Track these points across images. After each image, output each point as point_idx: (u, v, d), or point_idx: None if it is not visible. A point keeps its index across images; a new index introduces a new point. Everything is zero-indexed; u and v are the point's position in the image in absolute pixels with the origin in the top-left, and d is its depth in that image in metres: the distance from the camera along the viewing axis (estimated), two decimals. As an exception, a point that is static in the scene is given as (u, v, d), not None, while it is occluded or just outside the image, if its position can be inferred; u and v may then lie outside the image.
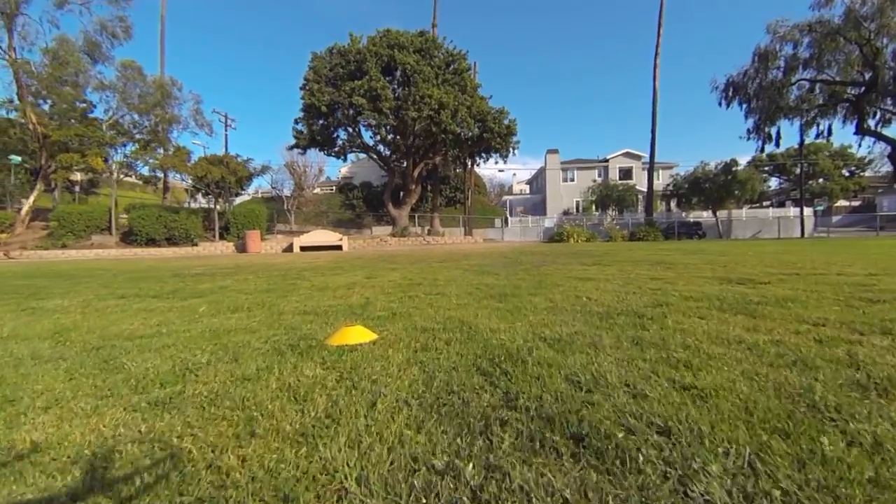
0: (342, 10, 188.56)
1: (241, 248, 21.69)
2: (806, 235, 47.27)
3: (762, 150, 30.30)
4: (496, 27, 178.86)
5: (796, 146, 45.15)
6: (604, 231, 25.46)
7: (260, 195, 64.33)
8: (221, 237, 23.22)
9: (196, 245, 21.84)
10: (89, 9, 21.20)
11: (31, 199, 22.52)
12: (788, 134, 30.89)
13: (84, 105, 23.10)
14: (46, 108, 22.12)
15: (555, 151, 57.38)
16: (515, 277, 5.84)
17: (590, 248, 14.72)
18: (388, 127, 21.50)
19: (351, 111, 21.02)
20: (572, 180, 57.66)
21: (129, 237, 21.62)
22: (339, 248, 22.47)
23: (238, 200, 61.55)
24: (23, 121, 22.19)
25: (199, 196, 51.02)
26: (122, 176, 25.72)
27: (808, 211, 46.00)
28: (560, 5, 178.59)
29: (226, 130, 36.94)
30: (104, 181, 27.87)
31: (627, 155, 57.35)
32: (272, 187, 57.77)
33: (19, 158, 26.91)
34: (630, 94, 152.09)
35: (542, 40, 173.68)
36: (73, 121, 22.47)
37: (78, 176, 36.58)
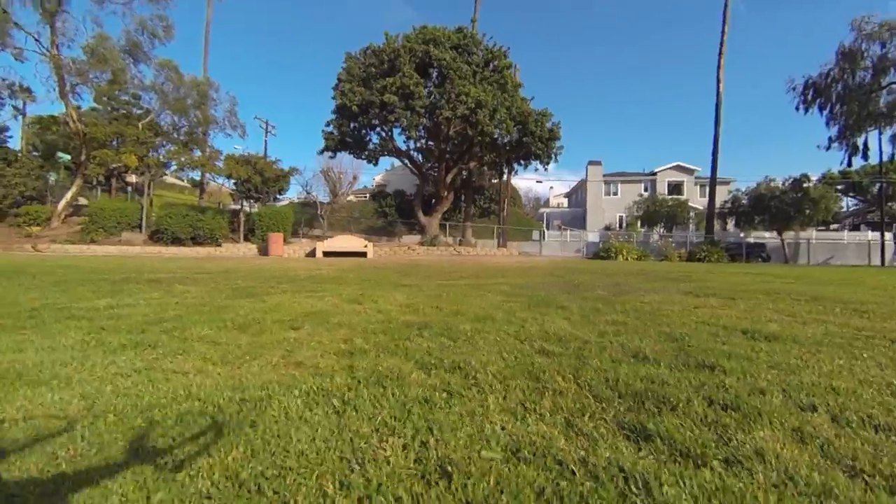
0: (387, 23, 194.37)
1: (264, 251, 20.84)
2: (886, 263, 42.09)
3: (849, 162, 26.62)
4: (536, 27, 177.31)
5: (874, 163, 40.39)
6: (656, 249, 22.85)
7: (297, 200, 65.50)
8: (246, 238, 22.57)
9: (220, 245, 21.22)
10: (131, 8, 21.41)
11: (69, 194, 22.79)
12: (873, 146, 27.08)
13: (125, 100, 23.36)
14: (87, 107, 22.56)
15: (597, 163, 54.79)
16: (601, 318, 3.52)
17: (654, 269, 12.43)
18: (421, 128, 20.16)
19: (383, 111, 19.87)
20: (615, 194, 54.72)
21: (156, 235, 21.31)
22: (363, 254, 21.18)
23: (277, 205, 62.82)
24: (66, 119, 22.63)
25: (244, 202, 52.36)
26: (159, 174, 25.85)
27: (888, 236, 40.82)
28: (602, 3, 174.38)
29: (265, 136, 37.20)
30: (157, 183, 28.33)
31: (678, 168, 53.89)
32: (307, 192, 58.53)
33: (68, 156, 27.79)
34: (682, 102, 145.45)
35: (582, 40, 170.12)
36: (113, 120, 22.76)
37: (133, 178, 37.96)
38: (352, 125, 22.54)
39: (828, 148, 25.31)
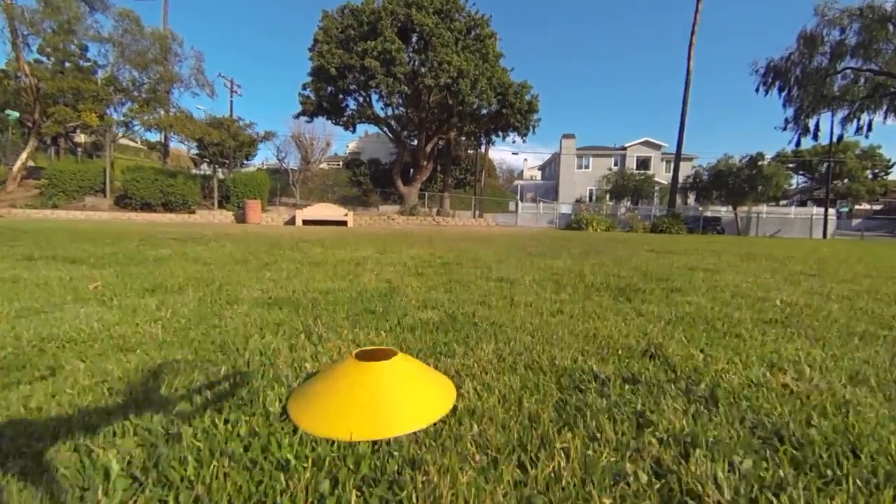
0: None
1: (241, 219, 20.53)
2: (827, 237, 45.66)
3: (798, 143, 28.48)
4: (515, 3, 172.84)
5: (824, 143, 43.11)
6: (624, 221, 24.10)
7: (265, 167, 63.04)
8: (221, 206, 22.07)
9: (193, 213, 20.70)
10: (86, -49, 19.57)
11: (24, 155, 21.34)
12: (825, 128, 29.20)
13: (79, 53, 21.65)
14: (44, 61, 20.76)
15: (571, 136, 55.56)
16: (587, 261, 4.66)
17: (623, 237, 13.42)
18: (402, 96, 20.00)
19: (362, 76, 19.50)
20: (587, 168, 56.03)
21: (123, 200, 20.49)
22: (343, 223, 21.29)
23: (243, 171, 60.33)
24: (17, 74, 20.86)
25: (205, 165, 49.89)
26: (118, 135, 24.48)
27: (831, 211, 44.31)
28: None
29: (231, 96, 35.39)
30: (105, 142, 26.64)
31: (647, 144, 55.51)
32: (278, 159, 56.41)
33: (17, 114, 25.64)
34: (652, 79, 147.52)
35: (558, 16, 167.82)
36: (68, 72, 21.12)
37: (82, 138, 35.35)
38: (329, 89, 21.99)
39: (784, 129, 26.96)
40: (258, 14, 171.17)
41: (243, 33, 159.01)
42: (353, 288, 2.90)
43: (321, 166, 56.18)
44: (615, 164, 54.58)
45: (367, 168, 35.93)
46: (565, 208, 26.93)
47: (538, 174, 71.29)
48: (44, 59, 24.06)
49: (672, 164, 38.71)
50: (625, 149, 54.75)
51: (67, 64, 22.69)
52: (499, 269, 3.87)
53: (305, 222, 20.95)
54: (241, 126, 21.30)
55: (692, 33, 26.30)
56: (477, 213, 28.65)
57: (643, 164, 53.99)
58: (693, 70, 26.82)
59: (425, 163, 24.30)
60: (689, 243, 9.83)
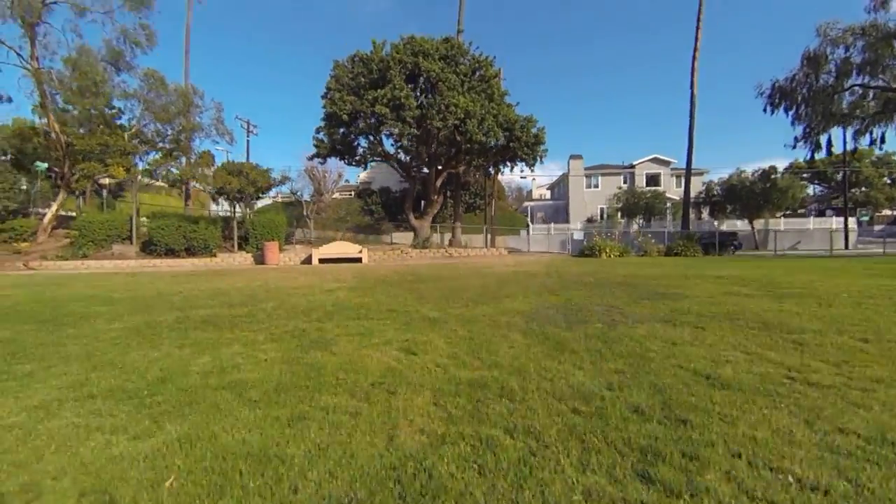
0: (366, 17, 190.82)
1: (260, 260, 21.17)
2: (850, 247, 44.70)
3: (812, 157, 28.31)
4: (519, 21, 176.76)
5: (838, 152, 42.54)
6: (636, 245, 24.11)
7: (280, 200, 64.69)
8: (240, 247, 22.78)
9: (214, 256, 21.42)
10: (112, 18, 21.02)
11: (54, 207, 22.49)
12: (837, 140, 29.13)
13: (110, 112, 23.00)
14: (72, 114, 22.03)
15: (578, 157, 55.99)
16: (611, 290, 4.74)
17: (639, 273, 13.38)
18: (411, 136, 20.68)
19: (373, 120, 20.29)
20: (596, 187, 56.15)
21: (149, 247, 21.34)
22: (358, 260, 21.76)
23: (259, 204, 62.14)
24: (47, 129, 22.21)
25: (222, 199, 51.53)
26: (145, 182, 25.60)
27: (850, 221, 43.46)
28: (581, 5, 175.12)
29: (248, 136, 36.88)
30: (130, 186, 27.90)
31: (655, 161, 55.60)
32: (292, 193, 57.91)
33: (45, 165, 27.12)
34: (660, 94, 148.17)
35: (565, 35, 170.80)
36: (97, 128, 22.37)
37: (106, 181, 36.99)
38: (341, 131, 22.84)
39: (794, 147, 26.87)
40: (269, 51, 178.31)
41: (255, 70, 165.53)
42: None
43: (334, 196, 57.46)
44: (624, 182, 54.65)
45: (378, 197, 36.64)
46: (577, 234, 26.98)
47: (547, 193, 71.60)
48: (70, 107, 25.43)
49: (683, 180, 38.38)
50: (633, 166, 54.88)
51: (94, 111, 23.85)
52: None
53: (322, 261, 21.47)
54: (259, 171, 22.16)
55: (694, 58, 26.72)
56: (489, 239, 28.92)
57: (653, 180, 53.94)
58: (697, 93, 27.10)
59: (436, 196, 24.83)
60: (708, 284, 9.70)
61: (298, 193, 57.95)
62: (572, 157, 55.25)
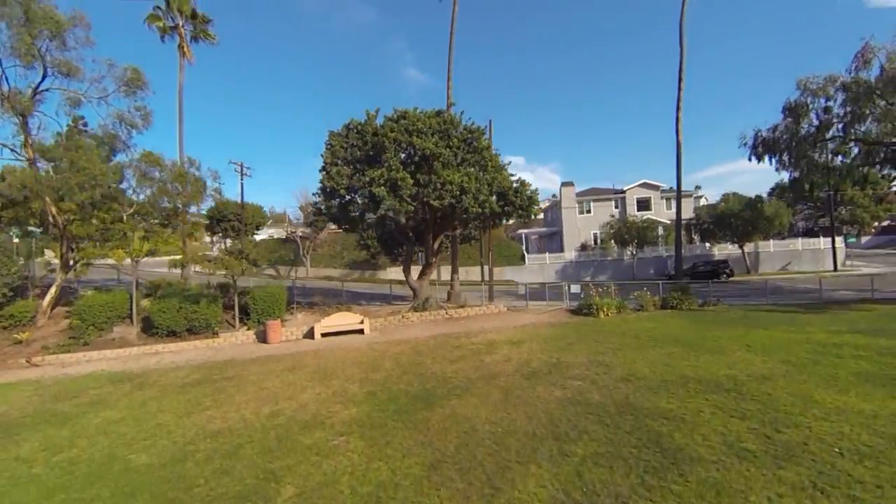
0: (351, 42, 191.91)
1: (262, 338, 21.30)
2: (838, 267, 45.58)
3: (797, 200, 29.05)
4: (515, 23, 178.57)
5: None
6: (634, 299, 24.57)
7: (275, 237, 64.83)
8: (241, 321, 22.88)
9: (216, 335, 21.51)
10: (107, 101, 21.22)
11: (53, 290, 22.49)
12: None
13: (110, 190, 23.12)
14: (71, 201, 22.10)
15: (569, 184, 56.80)
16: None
17: (647, 362, 13.56)
18: (408, 212, 21.09)
19: (370, 201, 20.70)
20: (589, 212, 56.90)
21: (150, 329, 21.39)
22: (360, 331, 21.96)
23: (258, 237, 61.88)
24: (44, 210, 22.25)
25: (216, 237, 51.46)
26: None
27: (837, 241, 44.41)
28: (578, 36, 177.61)
29: (241, 179, 37.03)
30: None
31: (645, 185, 56.64)
32: (287, 233, 58.15)
33: (39, 230, 27.25)
34: (647, 118, 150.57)
35: (555, 61, 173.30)
36: (103, 205, 22.39)
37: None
38: (338, 202, 23.16)
39: (781, 196, 27.60)
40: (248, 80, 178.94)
41: (239, 108, 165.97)
42: None
43: (330, 227, 57.35)
44: (616, 207, 55.41)
45: (374, 231, 36.45)
46: (574, 286, 27.19)
47: (541, 216, 72.34)
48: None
49: (674, 202, 38.39)
50: (624, 192, 55.75)
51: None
52: None
53: (324, 335, 21.64)
54: (259, 252, 22.29)
55: (678, 108, 27.36)
56: (488, 296, 29.19)
57: (644, 204, 54.76)
58: (682, 142, 27.72)
59: (434, 259, 25.15)
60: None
61: (294, 234, 58.07)
62: (564, 184, 55.97)
